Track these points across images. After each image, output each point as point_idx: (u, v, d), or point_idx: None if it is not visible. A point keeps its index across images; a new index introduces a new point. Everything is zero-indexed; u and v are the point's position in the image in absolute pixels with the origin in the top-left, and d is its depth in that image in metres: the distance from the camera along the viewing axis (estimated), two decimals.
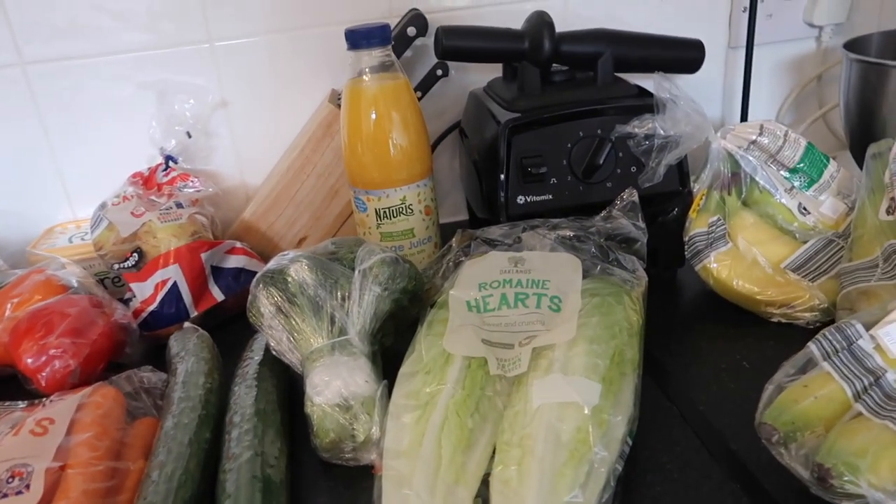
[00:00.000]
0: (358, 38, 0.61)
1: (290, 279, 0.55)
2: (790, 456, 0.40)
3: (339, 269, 0.56)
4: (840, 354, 0.43)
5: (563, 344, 0.48)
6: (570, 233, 0.60)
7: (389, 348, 0.60)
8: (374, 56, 0.62)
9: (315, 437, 0.50)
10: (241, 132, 0.84)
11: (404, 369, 0.51)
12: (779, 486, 0.44)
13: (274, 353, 0.56)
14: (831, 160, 0.67)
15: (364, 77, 0.63)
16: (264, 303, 0.55)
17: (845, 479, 0.36)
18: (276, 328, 0.55)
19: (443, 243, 0.71)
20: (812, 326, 0.61)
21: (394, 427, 0.46)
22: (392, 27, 0.77)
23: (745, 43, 0.84)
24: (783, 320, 0.62)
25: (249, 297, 0.56)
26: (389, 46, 0.63)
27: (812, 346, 0.44)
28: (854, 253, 0.58)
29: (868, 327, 0.44)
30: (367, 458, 0.50)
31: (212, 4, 0.77)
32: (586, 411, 0.43)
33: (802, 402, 0.41)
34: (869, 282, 0.54)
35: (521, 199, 0.67)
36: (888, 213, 0.56)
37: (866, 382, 0.41)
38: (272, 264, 0.56)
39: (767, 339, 0.60)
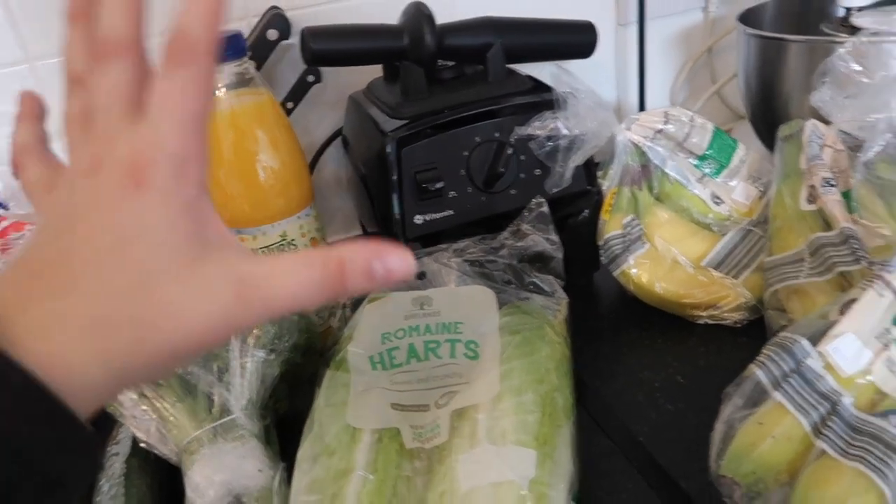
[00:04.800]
0: None
1: None
2: None
3: None
4: (790, 379, 0.38)
5: (488, 401, 0.41)
6: (477, 256, 0.53)
7: (285, 415, 0.51)
8: (227, 71, 0.52)
9: None
10: None
11: (304, 452, 0.42)
12: None
13: (143, 445, 0.46)
14: (739, 143, 0.64)
15: (218, 96, 0.53)
16: None
17: None
18: (142, 417, 0.45)
19: None
20: (739, 326, 0.57)
21: None
22: (250, 31, 0.67)
23: (635, 19, 0.80)
24: (710, 321, 0.58)
25: None
26: (246, 57, 0.53)
27: (758, 372, 0.40)
28: (775, 245, 0.55)
29: (814, 342, 0.40)
30: None
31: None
32: (524, 491, 0.36)
33: (760, 446, 0.37)
34: (797, 279, 0.51)
35: (419, 219, 0.59)
36: (809, 201, 0.52)
37: (823, 411, 0.37)
38: None
39: (697, 345, 0.56)
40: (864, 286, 0.40)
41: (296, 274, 0.26)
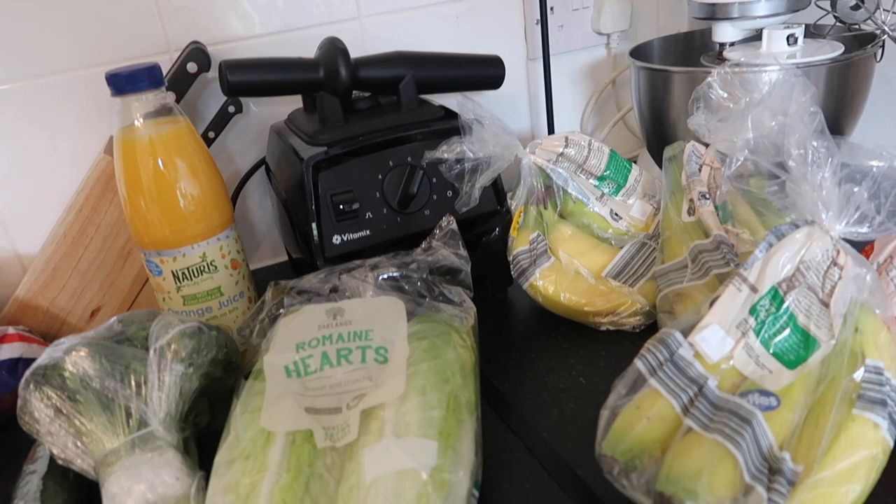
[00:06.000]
0: (122, 83, 0.53)
1: (67, 373, 0.46)
2: (632, 486, 0.39)
3: (130, 351, 0.48)
4: (664, 367, 0.43)
5: (394, 400, 0.44)
6: (391, 272, 0.56)
7: (206, 429, 0.53)
8: (145, 100, 0.55)
9: None
10: (3, 196, 0.72)
11: (220, 457, 0.44)
12: None
13: (61, 462, 0.47)
14: (633, 165, 0.69)
15: (136, 125, 0.55)
16: (38, 407, 0.46)
17: None
18: (58, 434, 0.46)
19: (259, 295, 0.65)
20: (638, 330, 0.62)
21: None
22: (172, 63, 0.70)
23: (542, 55, 0.86)
24: (611, 328, 0.62)
25: (19, 401, 0.47)
26: (163, 87, 0.56)
27: (638, 363, 0.44)
28: (665, 255, 0.60)
29: (686, 334, 0.44)
30: None
31: None
32: (424, 476, 0.39)
33: (637, 427, 0.40)
34: (682, 283, 0.56)
35: (337, 240, 0.62)
36: (689, 214, 0.58)
37: (692, 393, 0.41)
38: (44, 358, 0.47)
39: (599, 349, 0.61)
40: (727, 283, 0.45)
41: None
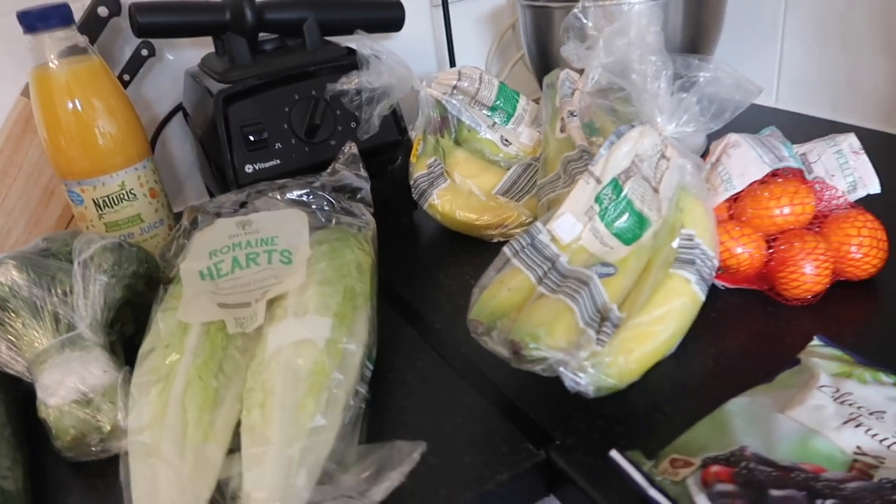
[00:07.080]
0: (33, 20, 0.57)
1: None
2: (493, 341, 0.46)
3: (55, 264, 0.53)
4: (526, 250, 0.50)
5: (296, 291, 0.51)
6: (298, 192, 0.62)
7: (133, 339, 0.58)
8: (57, 38, 0.59)
9: (56, 440, 0.48)
10: None
11: (142, 349, 0.50)
12: (498, 373, 0.52)
13: None
14: (521, 95, 0.77)
15: (50, 64, 0.59)
16: None
17: (531, 347, 0.43)
18: None
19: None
20: None
21: (136, 404, 0.46)
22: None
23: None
24: (501, 239, 0.70)
25: None
26: (73, 26, 0.60)
27: (505, 249, 0.51)
28: (545, 171, 0.68)
29: (545, 223, 0.52)
30: (117, 447, 0.48)
31: None
32: (320, 344, 0.46)
33: (499, 296, 0.48)
34: (555, 191, 0.63)
35: (249, 168, 0.68)
36: (561, 131, 0.66)
37: (546, 268, 0.49)
38: None
39: (490, 258, 0.66)
40: (578, 178, 0.52)
41: None
